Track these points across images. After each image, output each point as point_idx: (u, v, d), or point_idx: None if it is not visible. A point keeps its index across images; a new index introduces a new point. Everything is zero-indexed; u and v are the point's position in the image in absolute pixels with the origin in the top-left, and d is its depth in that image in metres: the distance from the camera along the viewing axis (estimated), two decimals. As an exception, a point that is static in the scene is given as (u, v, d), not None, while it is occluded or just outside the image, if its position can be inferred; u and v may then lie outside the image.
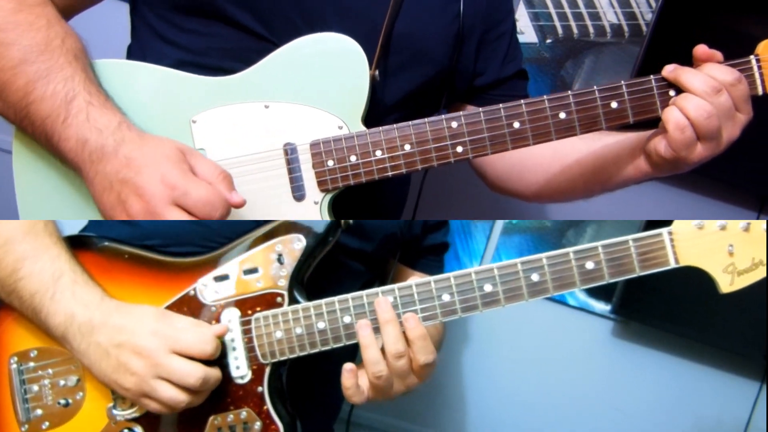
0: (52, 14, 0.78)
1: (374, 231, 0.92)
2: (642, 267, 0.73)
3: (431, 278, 0.75)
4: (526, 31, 1.45)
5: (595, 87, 0.80)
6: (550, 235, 1.52)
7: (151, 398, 0.74)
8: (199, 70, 0.83)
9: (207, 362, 0.75)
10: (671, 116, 0.77)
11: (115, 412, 0.79)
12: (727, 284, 0.72)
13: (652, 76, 0.80)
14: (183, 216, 0.71)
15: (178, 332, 0.74)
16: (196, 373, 0.73)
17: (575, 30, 1.46)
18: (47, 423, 0.81)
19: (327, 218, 0.83)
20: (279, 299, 0.79)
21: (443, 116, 0.81)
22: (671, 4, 1.37)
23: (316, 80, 0.82)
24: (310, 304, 0.77)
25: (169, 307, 0.80)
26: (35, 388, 0.82)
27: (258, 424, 0.78)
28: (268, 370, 0.79)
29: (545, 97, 0.80)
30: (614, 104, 0.80)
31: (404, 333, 0.74)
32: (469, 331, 1.55)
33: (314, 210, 0.83)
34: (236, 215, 0.76)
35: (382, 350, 0.74)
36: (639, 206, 1.46)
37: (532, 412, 1.56)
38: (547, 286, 0.74)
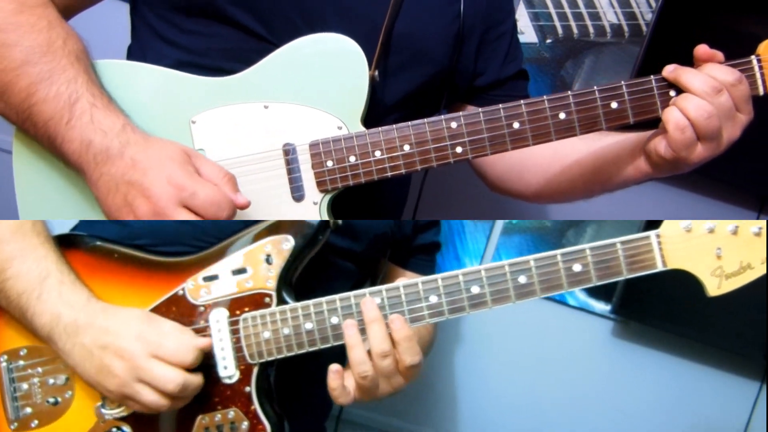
0: (53, 16, 0.79)
1: (364, 231, 0.92)
2: (629, 270, 0.73)
3: (419, 279, 0.76)
4: (526, 31, 1.45)
5: (595, 87, 0.80)
6: (550, 235, 1.52)
7: (133, 400, 0.74)
8: (199, 71, 0.83)
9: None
10: (671, 116, 0.76)
11: (103, 410, 0.79)
12: (714, 287, 0.72)
13: (652, 76, 0.80)
14: (190, 216, 0.71)
15: (162, 337, 0.75)
16: (176, 380, 0.73)
17: (575, 30, 1.46)
18: (36, 421, 0.82)
19: (327, 219, 0.83)
20: (267, 299, 0.79)
21: (442, 117, 0.81)
22: (671, 4, 1.36)
23: (315, 80, 0.82)
24: (298, 304, 0.78)
25: (157, 307, 0.80)
26: (25, 386, 0.82)
27: (245, 424, 0.78)
28: (255, 370, 0.79)
29: (545, 97, 0.80)
30: (614, 104, 0.80)
31: (390, 334, 0.74)
32: (469, 331, 1.55)
33: (314, 210, 0.82)
34: (237, 215, 0.76)
35: (369, 351, 0.74)
36: (639, 206, 1.46)
37: (532, 412, 1.56)
38: (535, 288, 0.74)
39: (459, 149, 0.81)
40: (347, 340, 0.75)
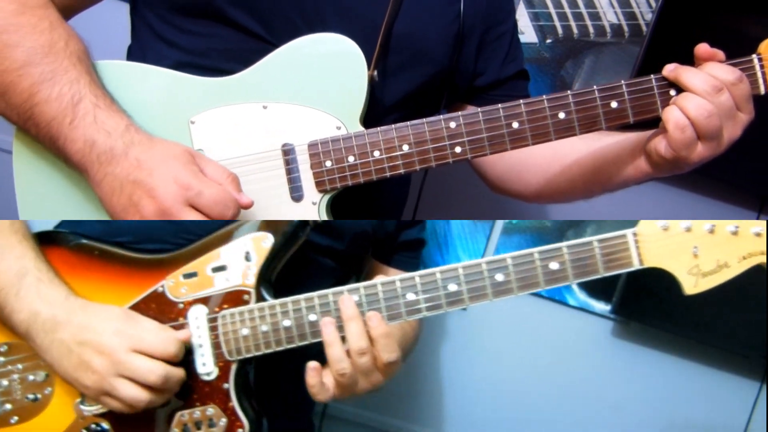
0: (54, 16, 0.79)
1: (345, 229, 0.92)
2: (606, 268, 0.73)
3: (397, 277, 0.76)
4: (526, 31, 1.45)
5: (594, 87, 0.80)
6: (550, 235, 1.52)
7: (111, 396, 0.74)
8: (198, 71, 0.83)
9: (173, 363, 0.76)
10: (671, 116, 0.76)
11: (82, 407, 0.79)
12: (691, 286, 0.72)
13: (652, 76, 0.79)
14: (196, 216, 0.72)
15: (142, 332, 0.75)
16: (158, 371, 0.73)
17: (575, 30, 1.46)
18: (16, 417, 0.82)
19: (326, 219, 0.83)
20: (246, 297, 0.79)
21: (441, 116, 0.81)
22: (671, 4, 1.36)
23: (314, 81, 0.82)
24: (276, 301, 0.78)
25: (137, 304, 0.80)
26: (5, 382, 0.82)
27: (223, 421, 0.79)
28: (234, 367, 0.79)
29: (544, 97, 0.80)
30: (614, 104, 0.80)
31: (368, 331, 0.74)
32: (469, 330, 1.55)
33: (312, 210, 0.82)
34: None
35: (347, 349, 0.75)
36: (639, 206, 1.46)
37: (531, 411, 1.55)
38: (512, 286, 0.74)
39: (458, 149, 0.81)
40: (325, 338, 0.75)
